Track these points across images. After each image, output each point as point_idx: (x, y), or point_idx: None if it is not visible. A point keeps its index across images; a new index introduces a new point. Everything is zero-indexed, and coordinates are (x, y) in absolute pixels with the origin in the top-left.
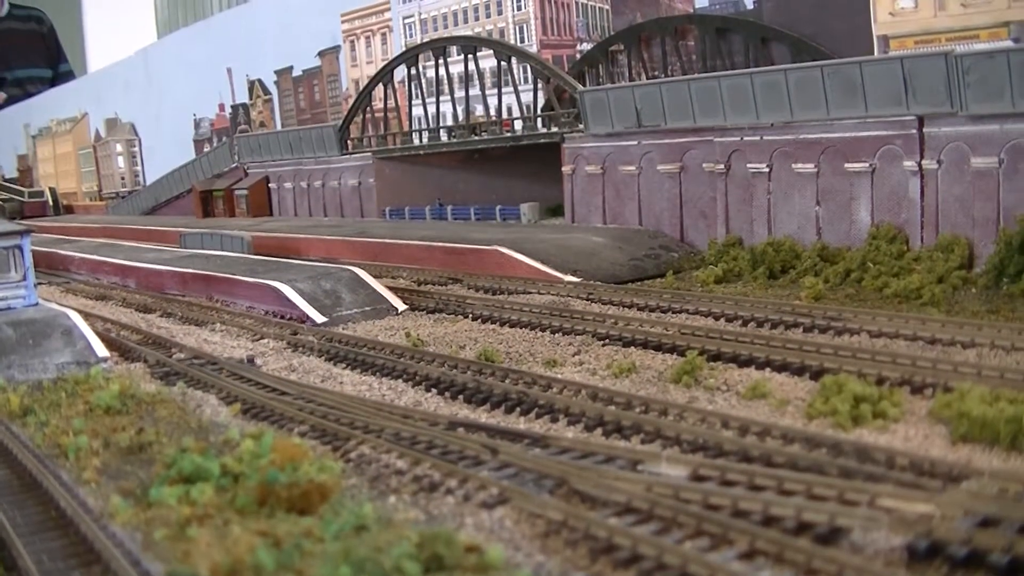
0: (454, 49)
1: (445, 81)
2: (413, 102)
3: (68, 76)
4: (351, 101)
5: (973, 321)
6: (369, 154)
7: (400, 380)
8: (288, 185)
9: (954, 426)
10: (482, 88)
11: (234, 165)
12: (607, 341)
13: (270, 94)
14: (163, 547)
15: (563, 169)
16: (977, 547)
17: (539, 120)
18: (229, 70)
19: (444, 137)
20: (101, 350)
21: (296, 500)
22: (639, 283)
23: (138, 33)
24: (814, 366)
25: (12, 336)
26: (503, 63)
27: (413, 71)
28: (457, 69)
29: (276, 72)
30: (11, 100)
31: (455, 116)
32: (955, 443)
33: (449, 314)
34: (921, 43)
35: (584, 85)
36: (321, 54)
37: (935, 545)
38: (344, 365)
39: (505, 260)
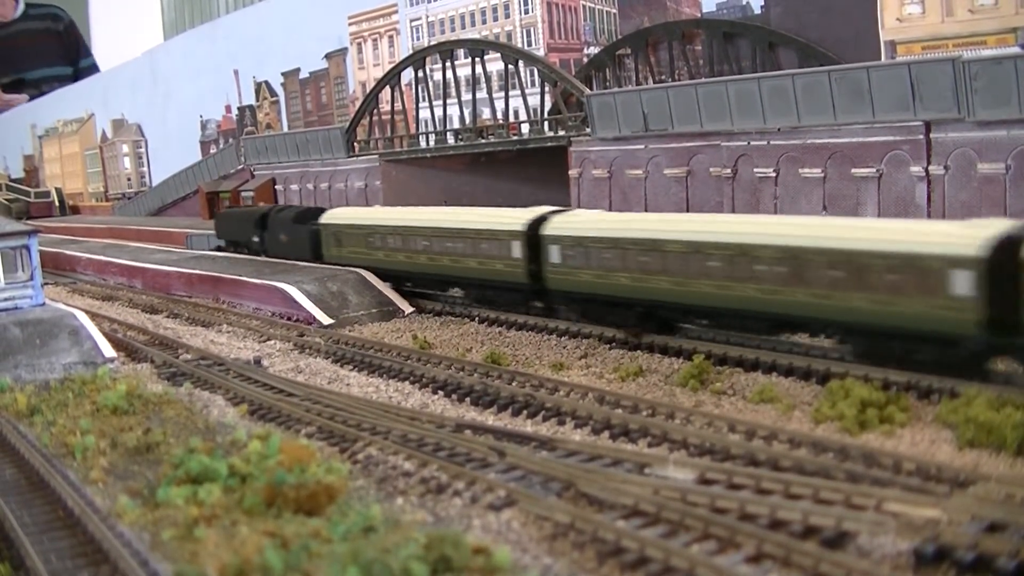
0: (461, 52)
1: (452, 84)
2: (420, 105)
3: (92, 70)
4: (358, 103)
5: None
6: (375, 156)
7: (407, 382)
8: (295, 187)
9: (961, 431)
10: (489, 91)
11: (240, 167)
12: (614, 344)
13: (277, 96)
14: (171, 547)
15: (570, 173)
16: (984, 552)
17: (546, 124)
18: (236, 72)
19: (451, 140)
20: (108, 350)
21: (304, 501)
22: None
23: (145, 34)
24: (821, 370)
25: (19, 336)
26: (510, 66)
27: (420, 74)
28: (464, 72)
29: (283, 74)
30: (30, 101)
31: (462, 119)
32: (962, 448)
33: (456, 317)
34: (928, 49)
35: (591, 89)
36: (328, 56)
37: (942, 550)
38: (351, 367)
39: None
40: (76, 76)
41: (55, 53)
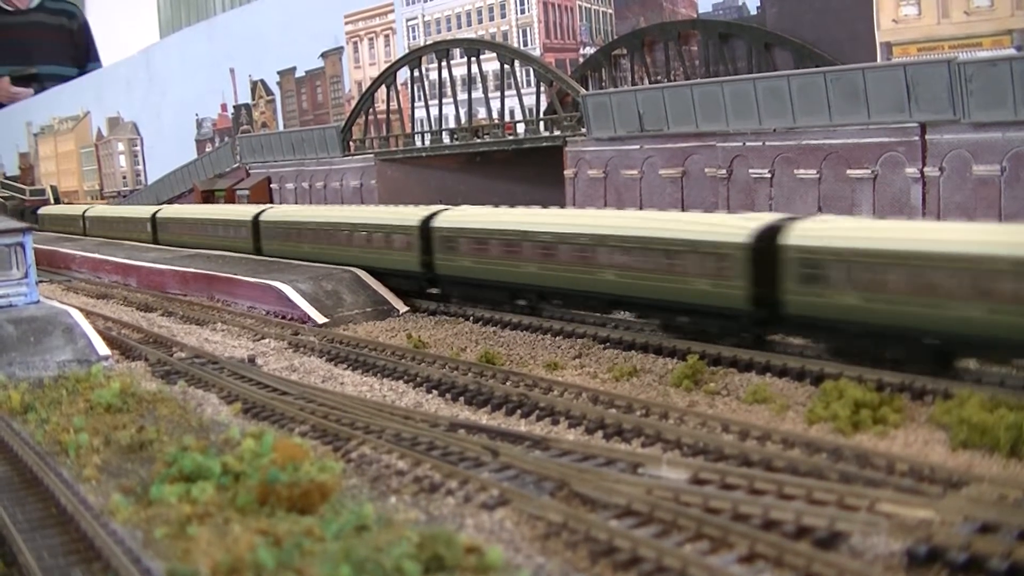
0: (457, 52)
1: (448, 83)
2: (415, 104)
3: None
4: (353, 102)
5: None
6: (371, 155)
7: (401, 381)
8: (290, 186)
9: (954, 432)
10: (484, 91)
11: (236, 165)
12: (608, 344)
13: (272, 94)
14: (163, 545)
15: (565, 173)
16: (976, 553)
17: (541, 123)
18: (232, 70)
19: (446, 139)
20: (102, 348)
21: (297, 499)
22: None
23: (141, 32)
24: (815, 371)
25: (13, 333)
26: (506, 66)
27: (416, 73)
28: (460, 72)
29: (279, 73)
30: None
31: (457, 119)
32: (955, 449)
33: (450, 316)
34: (924, 50)
35: (587, 89)
36: (324, 55)
37: (934, 550)
38: (345, 366)
39: None
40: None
41: (65, 52)
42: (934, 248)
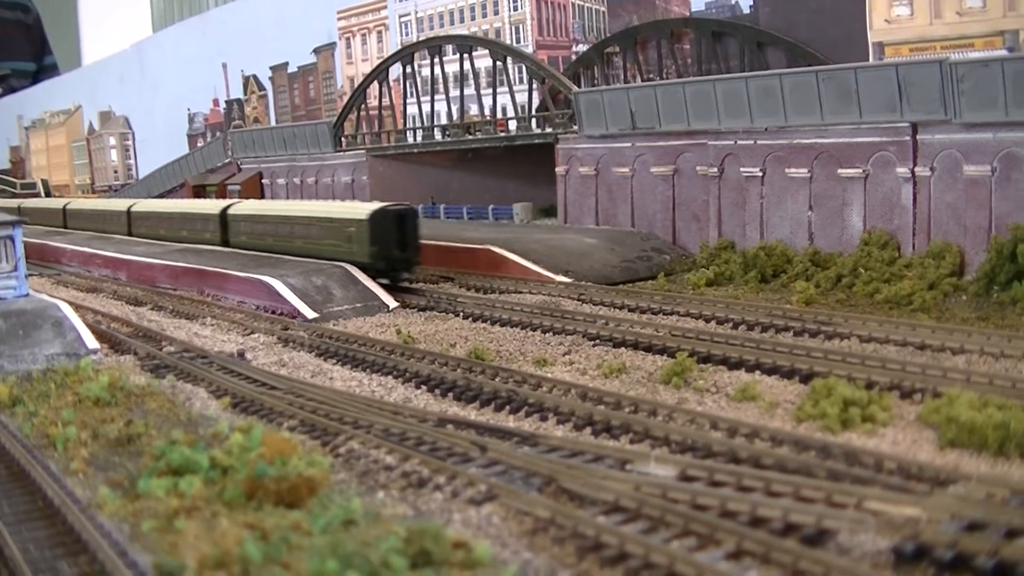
0: (450, 48)
1: (440, 80)
2: (408, 100)
3: (52, 69)
4: (346, 98)
5: (963, 328)
6: (363, 151)
7: (390, 377)
8: (281, 181)
9: (942, 431)
10: (477, 88)
11: (228, 160)
12: (597, 341)
13: (265, 90)
14: (151, 539)
15: (557, 170)
16: (963, 551)
17: (533, 120)
18: (224, 65)
19: (438, 136)
20: (91, 342)
21: (285, 494)
22: (630, 284)
23: (133, 26)
24: (804, 369)
25: (2, 326)
26: (498, 63)
27: (408, 69)
28: (452, 68)
29: (271, 68)
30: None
31: (449, 115)
32: (943, 448)
33: (440, 312)
34: (916, 51)
35: (579, 86)
36: (316, 51)
37: (921, 548)
38: (334, 361)
39: (497, 259)
40: (37, 73)
41: (22, 48)
42: (267, 212)
